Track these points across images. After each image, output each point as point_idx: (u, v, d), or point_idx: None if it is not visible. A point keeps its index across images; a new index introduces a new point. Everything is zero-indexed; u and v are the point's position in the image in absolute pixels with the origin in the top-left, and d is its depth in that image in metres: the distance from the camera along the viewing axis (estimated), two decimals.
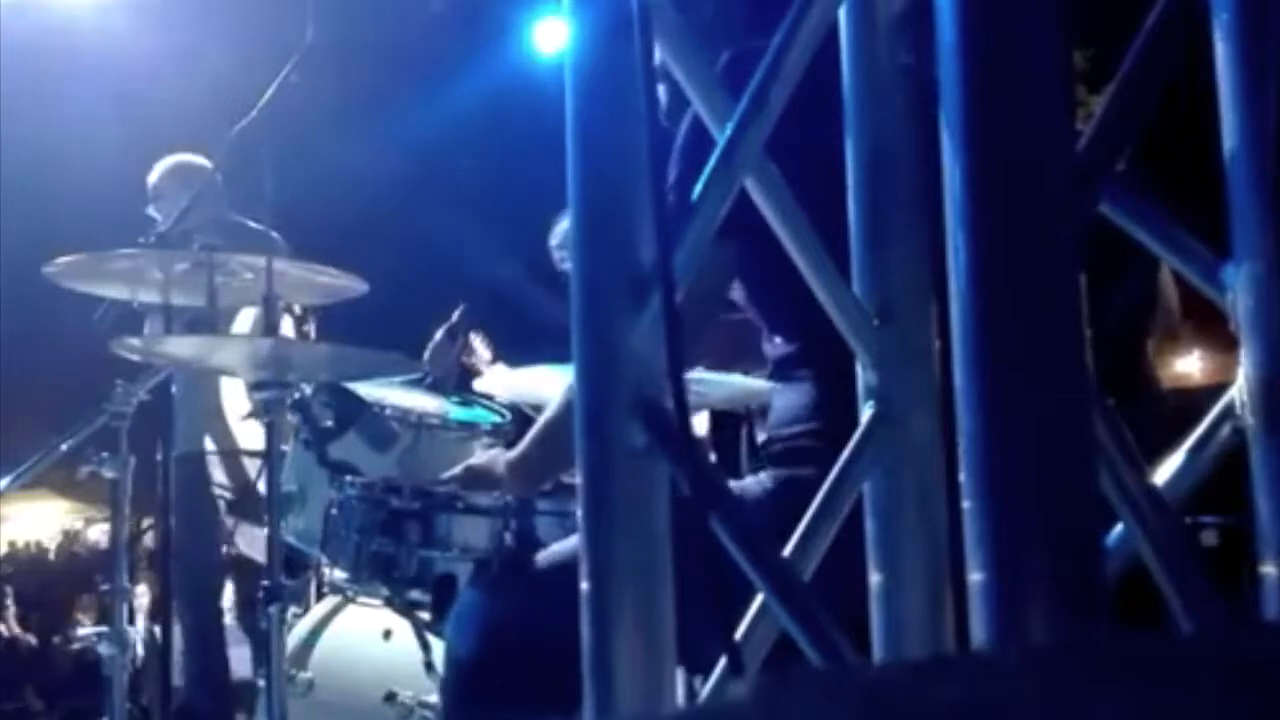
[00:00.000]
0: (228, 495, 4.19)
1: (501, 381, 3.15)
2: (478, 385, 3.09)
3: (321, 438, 2.60)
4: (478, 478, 2.16)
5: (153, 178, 4.44)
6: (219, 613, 4.41)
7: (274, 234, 4.28)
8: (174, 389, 4.14)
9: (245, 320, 3.95)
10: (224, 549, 4.33)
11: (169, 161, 4.43)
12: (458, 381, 3.14)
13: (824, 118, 1.19)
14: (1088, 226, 0.95)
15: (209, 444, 4.28)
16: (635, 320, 1.10)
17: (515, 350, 3.29)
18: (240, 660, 4.61)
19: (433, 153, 8.33)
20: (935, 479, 1.12)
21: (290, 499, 2.68)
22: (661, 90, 1.75)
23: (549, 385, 2.81)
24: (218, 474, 4.21)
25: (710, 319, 1.86)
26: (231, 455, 4.18)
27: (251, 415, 2.72)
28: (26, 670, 9.56)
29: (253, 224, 4.32)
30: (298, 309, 3.07)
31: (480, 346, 3.54)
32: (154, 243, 3.28)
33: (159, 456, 4.08)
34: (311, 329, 3.77)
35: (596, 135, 1.13)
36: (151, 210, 4.33)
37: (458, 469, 2.23)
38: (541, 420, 2.01)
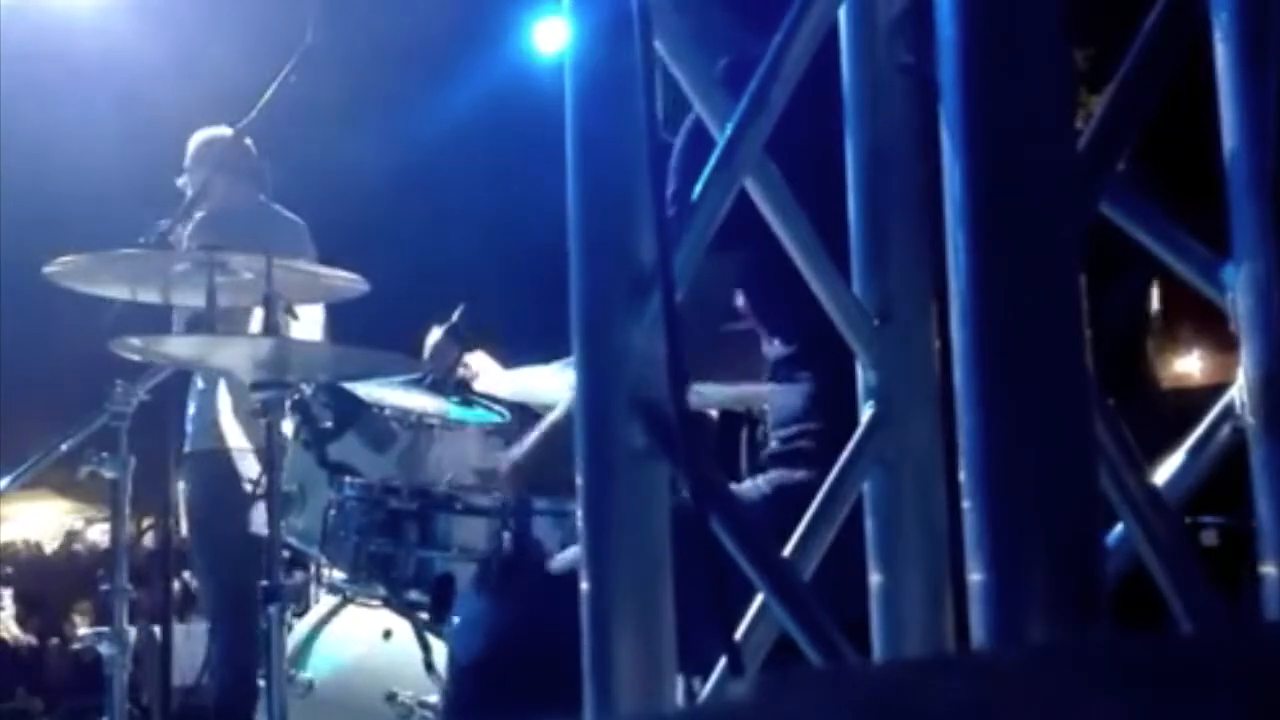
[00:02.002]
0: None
1: (501, 381, 3.15)
2: (478, 385, 3.09)
3: (321, 438, 2.61)
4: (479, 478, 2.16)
5: (189, 148, 4.32)
6: (251, 610, 4.35)
7: (300, 220, 4.27)
8: (198, 384, 4.12)
9: (259, 320, 3.94)
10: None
11: (202, 134, 4.25)
12: (458, 381, 3.13)
13: (824, 117, 1.19)
14: (1088, 226, 0.95)
15: (233, 441, 4.25)
16: (635, 320, 1.10)
17: (513, 350, 3.29)
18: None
19: (433, 152, 8.33)
20: (935, 479, 1.12)
21: (290, 499, 2.68)
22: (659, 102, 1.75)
23: (547, 385, 2.81)
24: (248, 469, 4.16)
25: (718, 333, 1.86)
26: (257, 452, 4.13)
27: (251, 415, 2.71)
28: (25, 670, 9.56)
29: (288, 213, 4.28)
30: (297, 309, 3.06)
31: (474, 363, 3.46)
32: (154, 242, 3.28)
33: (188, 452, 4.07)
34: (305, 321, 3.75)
35: (596, 135, 1.13)
36: (181, 181, 4.21)
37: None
38: (545, 420, 2.01)
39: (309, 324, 4.01)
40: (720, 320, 1.85)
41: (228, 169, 4.15)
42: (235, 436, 4.17)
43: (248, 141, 4.21)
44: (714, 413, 3.07)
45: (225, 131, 4.11)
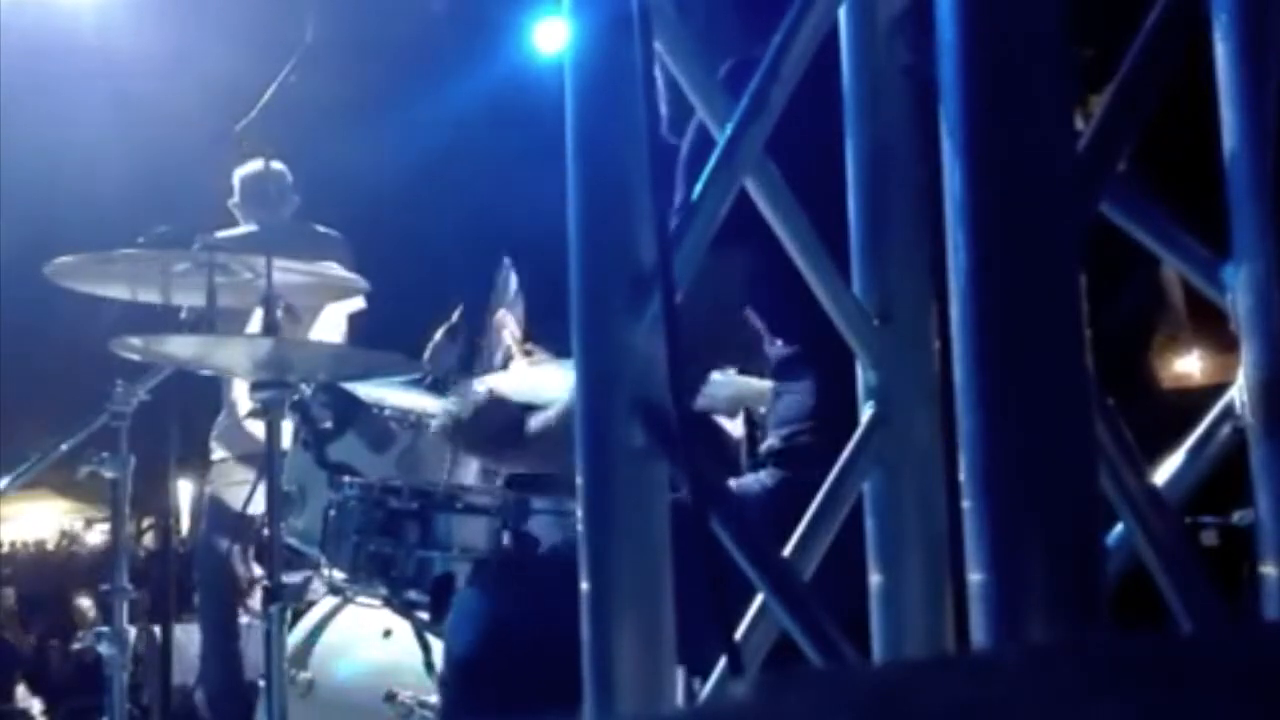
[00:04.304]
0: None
1: (500, 381, 3.15)
2: (477, 385, 3.09)
3: (320, 438, 2.61)
4: (495, 406, 2.11)
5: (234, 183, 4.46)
6: (233, 613, 4.39)
7: (335, 233, 4.37)
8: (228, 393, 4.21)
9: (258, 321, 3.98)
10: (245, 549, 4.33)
11: (239, 170, 4.44)
12: (457, 381, 3.13)
13: (824, 117, 1.19)
14: (1088, 226, 0.95)
15: (221, 450, 4.29)
16: (635, 320, 1.10)
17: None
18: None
19: (433, 152, 8.33)
20: (935, 479, 1.12)
21: (289, 499, 2.68)
22: (662, 104, 1.75)
23: (547, 385, 2.81)
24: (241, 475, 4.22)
25: (728, 329, 1.86)
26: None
27: (251, 415, 2.71)
28: (26, 670, 9.56)
29: (324, 229, 4.39)
30: (297, 309, 3.07)
31: (513, 324, 3.38)
32: (154, 242, 3.28)
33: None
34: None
35: (596, 135, 1.13)
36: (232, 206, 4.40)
37: (481, 393, 2.18)
38: (555, 409, 1.99)
39: (330, 328, 4.06)
40: (730, 315, 1.85)
41: (259, 200, 4.28)
42: (238, 443, 4.22)
43: (280, 168, 4.33)
44: (730, 425, 3.07)
45: (256, 166, 4.29)
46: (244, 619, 4.46)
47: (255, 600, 4.90)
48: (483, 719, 1.80)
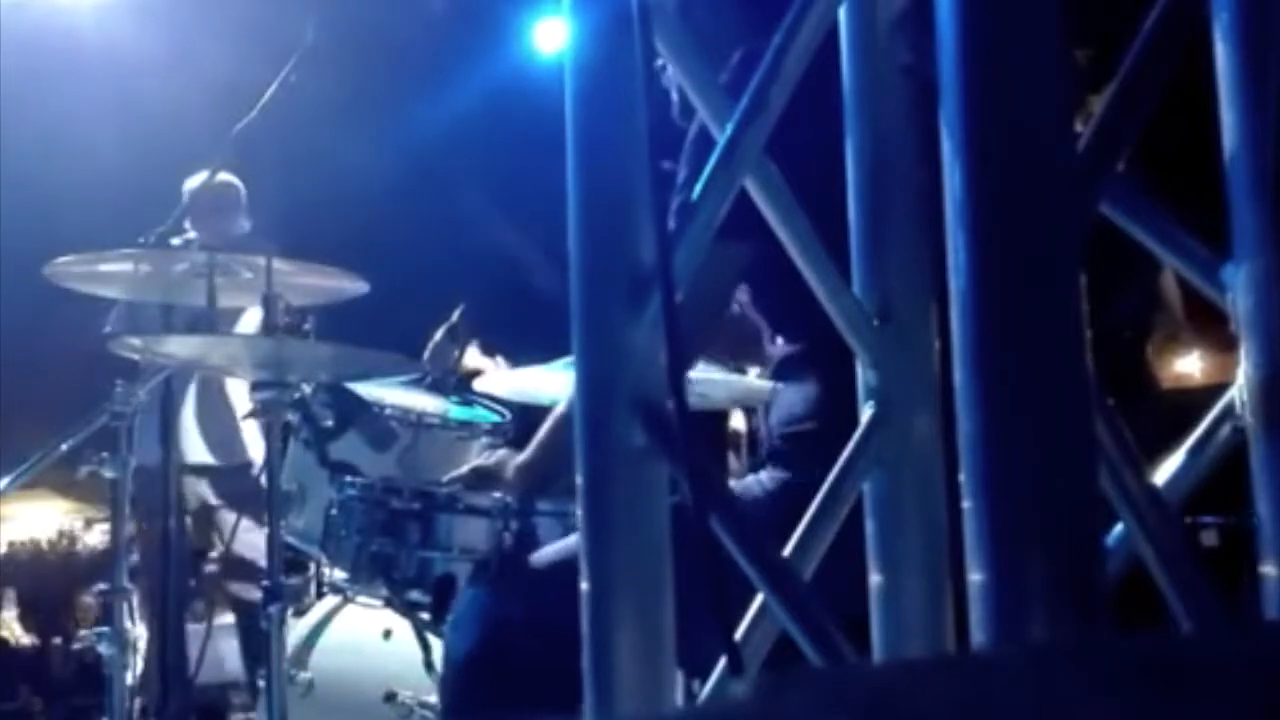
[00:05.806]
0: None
1: (501, 381, 3.15)
2: (478, 385, 3.10)
3: (321, 438, 2.60)
4: (484, 479, 2.16)
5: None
6: (181, 617, 4.41)
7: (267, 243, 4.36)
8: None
9: (251, 320, 3.98)
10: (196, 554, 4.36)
11: (189, 181, 4.39)
12: (458, 381, 3.14)
13: (824, 118, 1.19)
14: (1088, 226, 0.95)
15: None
16: (635, 320, 1.10)
17: (514, 350, 3.29)
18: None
19: (433, 153, 8.32)
20: (935, 479, 1.12)
21: (290, 499, 2.68)
22: (674, 89, 1.76)
23: (547, 385, 2.81)
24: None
25: (715, 322, 1.86)
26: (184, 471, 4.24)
27: (251, 415, 2.71)
28: (26, 670, 9.56)
29: (265, 241, 4.39)
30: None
31: (475, 356, 3.47)
32: (154, 243, 3.28)
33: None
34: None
35: (596, 135, 1.13)
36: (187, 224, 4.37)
37: (464, 469, 2.23)
38: (549, 422, 2.01)
39: (249, 324, 4.07)
40: (719, 308, 1.85)
41: (209, 211, 4.26)
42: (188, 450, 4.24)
43: (231, 182, 4.30)
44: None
45: (201, 178, 4.22)
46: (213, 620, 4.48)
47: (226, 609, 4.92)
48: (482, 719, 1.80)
